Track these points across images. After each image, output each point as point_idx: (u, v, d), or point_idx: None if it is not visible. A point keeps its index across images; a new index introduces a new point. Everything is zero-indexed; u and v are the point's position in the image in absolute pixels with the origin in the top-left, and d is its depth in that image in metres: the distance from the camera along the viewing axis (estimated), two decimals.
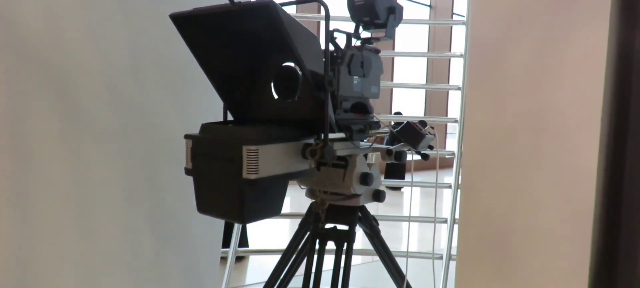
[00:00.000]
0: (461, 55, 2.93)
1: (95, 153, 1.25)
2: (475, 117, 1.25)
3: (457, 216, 2.56)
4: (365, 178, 1.31)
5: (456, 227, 2.54)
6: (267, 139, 1.00)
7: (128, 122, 1.35)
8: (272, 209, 1.07)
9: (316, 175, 1.23)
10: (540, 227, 1.03)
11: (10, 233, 1.05)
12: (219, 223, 1.80)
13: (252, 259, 4.12)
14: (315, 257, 1.34)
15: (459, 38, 10.28)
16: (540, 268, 1.02)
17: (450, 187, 2.67)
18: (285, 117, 1.17)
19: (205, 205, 1.05)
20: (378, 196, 1.38)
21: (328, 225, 1.34)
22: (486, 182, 1.17)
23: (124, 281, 1.37)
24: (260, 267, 3.81)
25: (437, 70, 10.20)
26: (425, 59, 10.30)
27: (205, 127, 1.09)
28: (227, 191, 1.00)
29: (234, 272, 2.31)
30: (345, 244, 1.31)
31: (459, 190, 2.72)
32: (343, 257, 1.30)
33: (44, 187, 1.12)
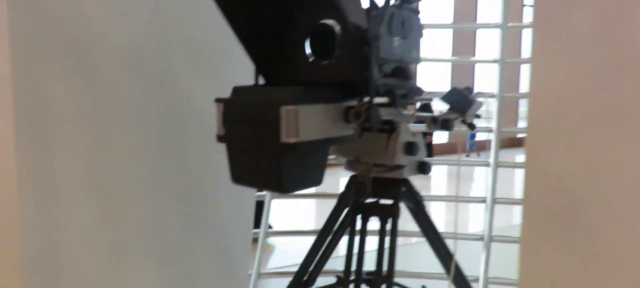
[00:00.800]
0: (498, 26, 2.75)
1: (119, 126, 1.17)
2: (540, 80, 1.11)
3: (497, 196, 2.42)
4: (411, 148, 1.19)
5: (497, 207, 2.40)
6: (307, 99, 0.90)
7: (152, 94, 1.27)
8: (312, 178, 0.97)
9: (357, 143, 1.11)
10: (620, 195, 0.89)
11: (36, 208, 0.98)
12: (250, 202, 1.72)
13: (274, 242, 4.05)
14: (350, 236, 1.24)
15: (485, 10, 9.87)
16: (620, 243, 0.89)
17: (488, 165, 2.52)
18: (321, 79, 1.06)
19: (240, 174, 0.96)
20: (423, 168, 1.26)
21: (369, 200, 1.24)
22: (554, 151, 1.03)
23: (151, 262, 1.30)
24: (285, 251, 3.74)
25: (463, 44, 9.83)
26: (450, 33, 9.88)
27: (238, 90, 0.99)
28: (264, 157, 0.90)
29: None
30: (390, 219, 1.20)
31: (497, 168, 2.58)
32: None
33: (66, 161, 1.05)
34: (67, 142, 1.04)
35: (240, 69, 1.57)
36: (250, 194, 1.73)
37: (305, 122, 0.88)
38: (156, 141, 1.28)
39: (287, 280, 2.29)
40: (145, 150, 1.25)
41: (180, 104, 1.36)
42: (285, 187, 0.90)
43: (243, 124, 0.93)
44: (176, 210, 1.36)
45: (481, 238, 2.32)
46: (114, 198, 1.16)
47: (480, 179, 6.89)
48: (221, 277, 1.56)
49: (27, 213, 0.95)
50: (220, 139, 0.98)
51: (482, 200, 2.40)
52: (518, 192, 6.17)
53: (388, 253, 1.17)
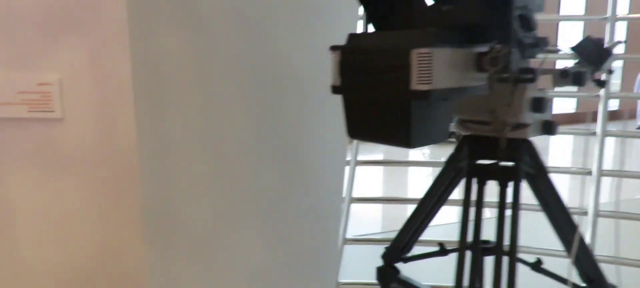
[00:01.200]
0: None
1: (225, 81, 1.15)
2: None
3: (604, 168, 2.18)
4: (539, 104, 1.05)
5: (603, 180, 2.17)
6: (441, 41, 0.79)
7: (253, 48, 1.23)
8: (438, 134, 0.87)
9: (487, 93, 0.99)
10: None
11: (153, 159, 0.98)
12: (342, 165, 1.67)
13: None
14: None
15: None
16: None
17: (595, 134, 2.27)
18: (441, 25, 0.95)
19: (359, 127, 0.89)
20: (549, 128, 1.11)
21: (484, 162, 1.12)
22: None
23: (253, 219, 1.29)
24: (360, 219, 3.69)
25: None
26: None
27: (355, 36, 0.91)
28: (390, 108, 0.82)
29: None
30: (511, 184, 1.08)
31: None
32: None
33: (179, 114, 1.04)
34: (179, 93, 1.02)
35: (336, 23, 1.49)
36: (342, 157, 1.68)
37: (438, 67, 0.78)
38: (257, 98, 1.25)
39: (370, 247, 2.25)
40: (247, 106, 1.22)
41: (278, 59, 1.31)
42: (412, 141, 0.81)
43: (365, 72, 0.85)
44: (276, 170, 1.33)
45: (585, 213, 2.10)
46: (221, 153, 1.15)
47: (555, 153, 6.37)
48: (314, 239, 1.53)
49: (146, 164, 0.96)
50: (335, 90, 0.91)
51: (588, 173, 2.17)
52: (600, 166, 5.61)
53: (510, 221, 1.05)
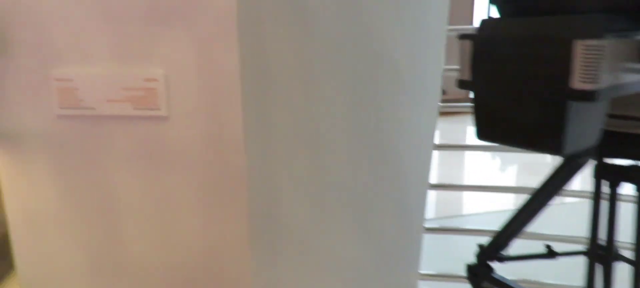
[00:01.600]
0: None
1: (324, 72, 1.07)
2: None
3: None
4: None
5: None
6: (609, 29, 0.67)
7: (350, 34, 1.14)
8: (591, 135, 0.76)
9: None
10: None
11: (258, 158, 0.93)
12: (429, 154, 1.57)
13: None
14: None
15: None
16: None
17: None
18: (580, 8, 0.81)
19: (494, 129, 0.78)
20: None
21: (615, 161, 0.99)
22: None
23: (346, 214, 1.23)
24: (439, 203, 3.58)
25: None
26: None
27: (491, 23, 0.80)
28: (539, 108, 0.71)
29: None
30: None
31: None
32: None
33: (282, 106, 0.98)
34: (283, 90, 0.96)
35: (431, 6, 1.37)
36: (430, 147, 1.58)
37: (605, 62, 0.66)
38: (354, 88, 1.16)
39: (447, 237, 2.15)
40: (344, 101, 1.14)
41: (373, 44, 1.22)
42: (565, 146, 0.70)
43: (507, 65, 0.74)
44: (369, 164, 1.26)
45: None
46: (319, 151, 1.09)
47: None
48: (401, 230, 1.46)
49: (252, 164, 0.91)
50: (464, 85, 0.81)
51: None
52: None
53: None
